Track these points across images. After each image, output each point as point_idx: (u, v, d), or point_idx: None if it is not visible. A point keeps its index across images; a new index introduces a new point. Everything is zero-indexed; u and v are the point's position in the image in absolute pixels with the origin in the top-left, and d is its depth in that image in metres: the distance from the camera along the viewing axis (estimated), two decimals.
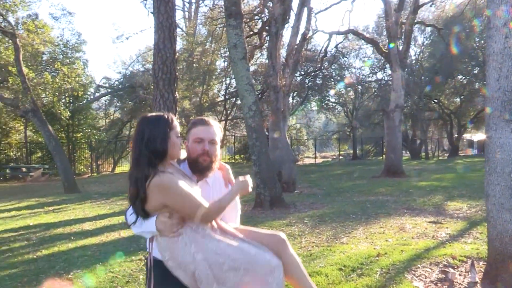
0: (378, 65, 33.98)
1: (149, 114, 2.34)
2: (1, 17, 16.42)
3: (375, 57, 33.33)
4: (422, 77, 31.98)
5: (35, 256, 6.15)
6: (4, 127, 25.52)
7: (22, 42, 16.52)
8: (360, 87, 35.35)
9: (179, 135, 2.32)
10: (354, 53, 34.13)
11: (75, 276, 5.08)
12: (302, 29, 15.96)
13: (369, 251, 5.61)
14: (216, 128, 2.51)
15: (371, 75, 36.02)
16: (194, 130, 2.48)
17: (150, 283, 2.30)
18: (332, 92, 30.31)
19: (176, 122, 2.31)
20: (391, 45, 17.13)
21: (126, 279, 4.89)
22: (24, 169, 22.75)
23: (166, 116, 2.29)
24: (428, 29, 29.64)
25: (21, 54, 15.85)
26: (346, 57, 33.13)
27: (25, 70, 15.95)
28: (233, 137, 32.46)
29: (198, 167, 2.42)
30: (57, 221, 9.01)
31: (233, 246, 2.23)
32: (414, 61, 33.39)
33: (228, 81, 27.97)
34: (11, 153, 25.71)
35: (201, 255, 2.16)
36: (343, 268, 4.93)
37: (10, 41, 16.15)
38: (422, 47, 33.58)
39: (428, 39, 32.67)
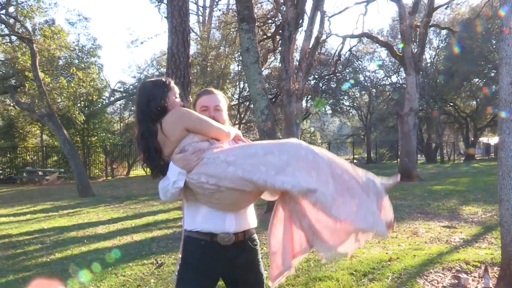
0: (392, 68, 33.79)
1: (147, 80, 2.48)
2: (19, 23, 16.72)
3: (389, 60, 33.17)
4: (437, 80, 31.69)
5: (48, 259, 6.23)
6: (21, 131, 25.89)
7: (38, 48, 16.78)
8: (374, 90, 35.19)
9: (177, 96, 2.41)
10: (368, 56, 34.06)
11: (87, 279, 5.13)
12: (315, 32, 15.97)
13: (381, 255, 5.58)
14: (220, 96, 2.59)
15: (385, 78, 35.88)
16: (199, 101, 2.59)
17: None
18: (347, 84, 29.96)
19: (173, 85, 2.43)
20: (401, 45, 17.05)
21: (138, 283, 4.93)
22: (40, 173, 23.04)
23: (164, 79, 2.42)
24: (444, 31, 29.40)
25: (38, 59, 16.09)
26: (360, 61, 33.04)
27: (41, 75, 16.20)
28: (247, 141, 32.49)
29: None
30: (71, 225, 9.12)
31: (254, 144, 2.31)
32: (429, 64, 33.12)
33: (242, 85, 28.05)
34: (28, 157, 26.06)
35: (232, 157, 2.18)
36: (354, 272, 4.91)
37: (27, 46, 16.41)
38: (438, 50, 33.30)
39: (443, 42, 32.40)
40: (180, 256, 2.42)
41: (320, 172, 2.14)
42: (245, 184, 2.15)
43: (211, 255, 2.35)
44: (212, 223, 2.32)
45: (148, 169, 2.40)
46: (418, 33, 18.25)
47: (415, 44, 18.22)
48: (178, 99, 2.41)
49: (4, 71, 19.78)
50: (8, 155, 25.24)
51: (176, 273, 2.41)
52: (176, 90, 2.43)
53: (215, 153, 2.22)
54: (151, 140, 2.28)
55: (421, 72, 22.10)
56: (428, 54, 33.56)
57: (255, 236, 2.52)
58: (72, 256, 6.35)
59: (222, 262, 2.36)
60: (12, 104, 23.29)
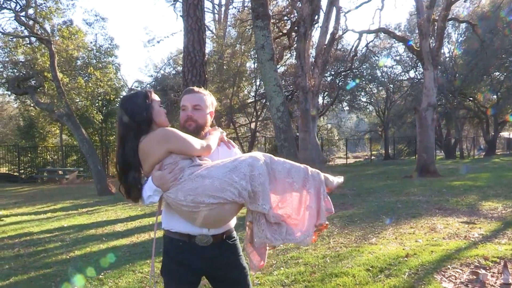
0: (410, 63, 33.41)
1: (127, 94, 2.50)
2: (38, 24, 16.99)
3: (406, 55, 32.80)
4: (457, 75, 31.23)
5: (68, 257, 6.34)
6: (41, 131, 26.35)
7: (57, 48, 17.05)
8: (391, 86, 34.84)
9: (161, 105, 2.41)
10: (385, 51, 33.70)
11: (106, 276, 5.22)
12: (331, 28, 15.90)
13: (398, 251, 5.54)
14: (202, 95, 2.56)
15: (403, 73, 35.50)
16: (181, 100, 2.59)
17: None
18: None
19: (155, 94, 2.41)
20: (411, 42, 16.89)
21: (155, 280, 4.98)
22: (60, 172, 23.42)
23: (143, 91, 2.40)
24: (463, 25, 28.95)
25: (56, 60, 16.34)
26: (377, 56, 32.73)
27: (59, 75, 16.46)
28: (263, 138, 32.50)
29: (187, 133, 2.48)
30: (89, 223, 9.27)
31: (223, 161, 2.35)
32: (447, 59, 32.66)
33: (258, 83, 28.04)
34: (48, 157, 26.50)
35: (205, 171, 2.23)
36: (370, 268, 4.89)
37: (46, 47, 16.66)
38: (456, 44, 32.81)
39: (462, 36, 31.91)
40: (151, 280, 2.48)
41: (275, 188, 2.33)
42: (223, 195, 2.18)
43: (191, 254, 2.38)
44: (189, 225, 2.33)
45: None
46: (436, 27, 18.02)
47: (432, 38, 17.98)
48: (162, 108, 2.41)
49: (24, 72, 20.13)
50: (29, 155, 25.72)
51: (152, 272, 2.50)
52: (158, 98, 2.42)
53: (192, 170, 2.25)
54: (132, 156, 2.28)
55: (439, 67, 21.81)
56: (447, 48, 33.14)
57: (234, 234, 2.55)
58: (91, 254, 6.45)
59: (203, 262, 2.40)
60: (32, 105, 23.68)
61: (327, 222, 2.46)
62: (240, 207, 2.32)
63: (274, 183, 2.30)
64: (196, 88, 2.60)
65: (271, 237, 2.31)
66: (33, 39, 18.36)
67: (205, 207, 2.18)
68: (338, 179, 2.54)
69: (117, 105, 26.77)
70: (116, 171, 2.37)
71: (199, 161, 2.32)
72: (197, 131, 2.49)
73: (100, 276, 5.20)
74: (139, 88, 32.08)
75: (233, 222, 2.52)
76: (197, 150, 2.31)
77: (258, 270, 2.53)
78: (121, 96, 28.24)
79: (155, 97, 2.40)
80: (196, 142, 2.32)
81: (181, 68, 10.78)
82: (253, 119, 29.35)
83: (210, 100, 2.59)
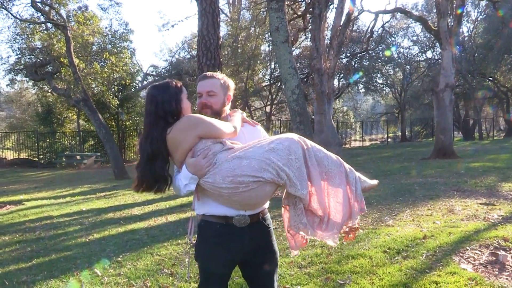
0: (427, 43, 32.82)
1: (157, 83, 2.45)
2: (54, 10, 17.06)
3: (424, 35, 32.21)
4: (476, 54, 30.60)
5: (87, 240, 6.45)
6: (59, 117, 26.65)
7: (72, 34, 17.12)
8: (408, 67, 34.32)
9: (188, 97, 2.42)
10: (402, 32, 33.15)
11: (124, 258, 5.29)
12: (346, 9, 15.65)
13: (415, 233, 5.51)
14: (215, 80, 2.53)
15: (420, 54, 34.91)
16: (197, 87, 2.57)
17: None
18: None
19: (183, 87, 2.43)
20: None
21: (172, 262, 5.05)
22: (78, 157, 23.69)
23: (174, 82, 2.40)
24: (483, 2, 28.26)
25: (72, 46, 16.42)
26: (393, 37, 32.22)
27: (75, 61, 16.56)
28: (279, 121, 32.42)
29: None
30: (107, 207, 9.39)
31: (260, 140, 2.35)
32: (466, 38, 31.98)
33: (273, 65, 27.86)
34: (66, 142, 26.83)
35: (242, 152, 2.23)
36: (387, 250, 4.88)
37: (62, 33, 16.75)
38: (476, 23, 32.06)
39: (482, 14, 31.18)
40: (188, 240, 2.48)
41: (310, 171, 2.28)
42: (262, 175, 2.15)
43: (228, 237, 2.37)
44: (225, 207, 2.32)
45: None
46: (454, 5, 17.61)
47: (451, 17, 17.59)
48: (189, 100, 2.42)
49: (41, 58, 20.32)
50: (48, 140, 26.08)
51: (189, 254, 2.49)
52: (186, 92, 2.43)
53: (226, 154, 2.24)
54: (160, 146, 2.26)
55: (457, 46, 21.38)
56: (466, 28, 32.44)
57: (268, 215, 2.55)
58: (109, 237, 6.54)
59: (239, 244, 2.38)
60: (49, 91, 23.92)
61: (359, 224, 2.41)
62: (276, 188, 2.29)
63: (308, 170, 2.25)
64: (209, 73, 2.57)
65: (306, 223, 2.30)
66: (49, 25, 18.49)
67: (245, 187, 2.16)
68: (371, 181, 2.45)
69: (132, 90, 27.07)
70: (138, 161, 2.33)
71: (230, 144, 2.32)
72: (214, 116, 2.46)
73: (119, 259, 5.28)
74: (154, 73, 32.20)
75: (267, 203, 2.51)
76: (225, 133, 2.31)
77: (298, 248, 2.47)
78: (136, 81, 28.43)
79: (184, 89, 2.41)
80: (222, 125, 2.31)
81: (196, 52, 10.75)
82: (268, 103, 29.24)
83: (225, 84, 2.55)
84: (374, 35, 25.92)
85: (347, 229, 2.41)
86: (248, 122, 2.63)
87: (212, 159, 2.22)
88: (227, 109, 2.58)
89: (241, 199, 2.23)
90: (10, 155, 28.15)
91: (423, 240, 5.15)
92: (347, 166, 2.37)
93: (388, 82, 36.05)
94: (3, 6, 16.88)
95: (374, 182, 2.45)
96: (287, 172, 2.16)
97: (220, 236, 2.38)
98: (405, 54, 34.34)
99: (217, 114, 2.49)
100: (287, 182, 2.19)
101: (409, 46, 34.71)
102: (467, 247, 4.81)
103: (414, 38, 33.50)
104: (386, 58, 31.52)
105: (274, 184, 2.22)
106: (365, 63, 30.59)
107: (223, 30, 28.73)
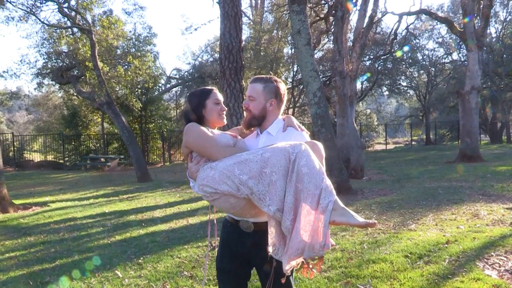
0: (453, 45, 32.27)
1: (193, 90, 2.59)
2: (79, 15, 17.39)
3: (449, 37, 31.68)
4: (504, 56, 29.92)
5: (109, 241, 6.52)
6: (84, 119, 27.09)
7: (97, 38, 17.40)
8: (433, 69, 33.81)
9: (218, 103, 2.49)
10: (427, 34, 32.67)
11: (145, 260, 5.34)
12: (369, 11, 15.52)
13: (438, 238, 5.43)
14: (257, 85, 2.53)
15: (445, 56, 34.35)
16: None
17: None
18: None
19: (215, 92, 2.50)
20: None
21: (192, 264, 5.07)
22: (102, 160, 24.03)
23: (207, 89, 2.52)
24: None
25: (97, 49, 16.69)
26: (418, 39, 31.78)
27: (100, 64, 16.81)
28: (302, 124, 32.29)
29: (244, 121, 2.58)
30: (130, 209, 9.49)
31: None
32: (494, 39, 31.31)
33: (295, 68, 27.81)
34: (91, 144, 27.26)
35: (215, 162, 2.23)
36: (409, 255, 4.81)
37: (87, 37, 17.04)
38: (504, 23, 31.34)
39: (511, 14, 30.49)
40: (209, 243, 2.58)
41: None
42: (218, 187, 2.15)
43: (236, 237, 2.49)
44: None
45: None
46: (481, 6, 17.29)
47: (477, 18, 17.26)
48: (218, 106, 2.48)
49: (67, 62, 20.71)
50: (73, 143, 26.54)
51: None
52: (218, 96, 2.50)
53: (210, 163, 2.26)
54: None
55: (484, 48, 20.95)
56: (494, 28, 31.77)
57: None
58: (131, 239, 6.61)
59: (245, 247, 2.46)
60: (75, 94, 24.36)
61: (314, 260, 2.13)
62: (250, 201, 2.20)
63: (289, 185, 2.08)
64: (258, 77, 2.59)
65: (274, 242, 2.14)
66: (75, 29, 18.85)
67: (210, 197, 2.21)
68: (360, 219, 2.01)
69: (155, 93, 27.37)
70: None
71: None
72: (254, 121, 2.52)
73: (140, 260, 5.33)
74: (177, 76, 32.53)
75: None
76: (211, 153, 2.28)
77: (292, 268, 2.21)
78: (159, 84, 28.73)
79: (214, 95, 2.49)
80: (209, 145, 2.30)
81: (218, 55, 10.82)
82: (291, 106, 29.20)
83: (270, 89, 2.52)
84: (398, 37, 25.61)
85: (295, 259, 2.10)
86: (284, 125, 2.57)
87: (201, 166, 2.28)
88: (275, 114, 2.55)
89: (216, 207, 2.32)
90: (37, 157, 28.77)
91: (446, 245, 5.06)
92: (328, 190, 2.05)
93: (413, 84, 35.59)
94: (32, 12, 17.28)
95: (366, 221, 2.00)
96: (250, 186, 2.08)
97: (228, 234, 2.54)
98: (430, 56, 33.86)
99: (256, 119, 2.51)
100: (251, 197, 2.11)
101: (434, 48, 34.17)
102: (492, 253, 4.71)
103: (439, 39, 32.99)
104: (411, 61, 31.11)
105: (239, 197, 2.14)
106: (388, 66, 30.25)
107: (246, 33, 28.88)
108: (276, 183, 2.08)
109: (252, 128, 2.59)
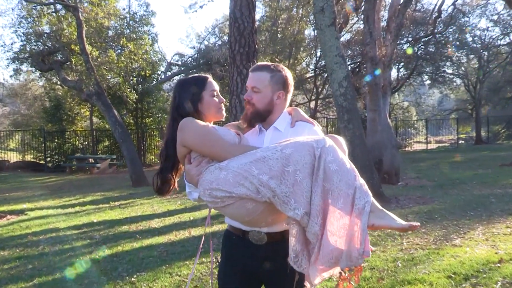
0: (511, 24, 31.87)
1: (184, 77, 2.60)
2: None
3: (507, 13, 31.30)
4: None
5: (97, 256, 6.58)
6: (69, 113, 27.18)
7: (85, 17, 17.49)
8: (486, 53, 33.46)
9: (216, 94, 2.47)
10: (478, 10, 32.29)
11: (139, 279, 5.39)
12: None
13: (489, 255, 5.41)
14: (263, 74, 2.53)
15: (501, 37, 33.92)
16: None
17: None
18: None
19: (211, 81, 2.49)
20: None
21: (195, 284, 5.11)
22: (91, 160, 24.21)
23: (201, 77, 2.50)
24: None
25: (84, 30, 16.78)
26: (467, 17, 31.47)
27: (88, 48, 16.92)
28: (325, 119, 32.27)
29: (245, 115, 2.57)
30: (122, 218, 9.58)
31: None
32: None
33: (318, 53, 27.78)
34: (77, 142, 27.39)
35: (225, 162, 2.23)
36: (453, 275, 4.80)
37: (73, 16, 17.14)
38: None
39: None
40: (214, 259, 2.58)
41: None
42: (234, 190, 2.14)
43: (242, 251, 2.49)
44: None
45: None
46: None
47: None
48: (216, 99, 2.47)
49: (49, 45, 20.85)
50: (56, 140, 26.66)
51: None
52: (215, 86, 2.49)
53: (217, 163, 2.26)
54: (170, 148, 2.40)
55: None
56: None
57: None
58: (123, 253, 6.68)
59: (255, 262, 2.46)
60: (59, 83, 24.51)
61: (350, 270, 2.17)
62: (270, 205, 2.21)
63: (316, 184, 2.09)
64: (262, 64, 2.59)
65: (297, 251, 2.15)
66: (58, 6, 18.96)
67: (221, 203, 2.18)
68: (402, 222, 2.07)
69: (154, 82, 27.48)
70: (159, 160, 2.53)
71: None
72: (257, 117, 2.52)
73: (133, 279, 5.39)
74: (179, 62, 32.66)
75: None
76: (217, 153, 2.28)
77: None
78: (159, 72, 28.83)
79: (210, 85, 2.48)
80: (218, 143, 2.30)
81: (228, 38, 10.85)
82: (313, 97, 29.16)
83: (278, 79, 2.54)
84: (442, 15, 25.40)
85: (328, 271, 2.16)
86: (306, 120, 2.60)
87: (205, 168, 2.26)
88: (281, 108, 2.58)
89: (227, 214, 2.32)
90: (13, 157, 29.03)
91: (499, 265, 5.04)
92: (363, 190, 2.09)
93: (460, 72, 35.26)
94: None
95: (410, 223, 2.07)
96: (272, 187, 2.07)
97: (236, 248, 2.52)
98: (482, 38, 33.47)
99: (260, 114, 2.52)
100: (273, 200, 2.10)
101: (488, 27, 33.79)
102: None
103: (495, 17, 32.56)
104: (458, 43, 30.82)
105: (258, 200, 2.14)
106: (431, 49, 30.02)
107: (260, 11, 28.96)
108: (302, 183, 2.08)
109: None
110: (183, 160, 2.38)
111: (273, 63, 2.61)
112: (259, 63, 2.64)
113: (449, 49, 28.98)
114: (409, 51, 25.80)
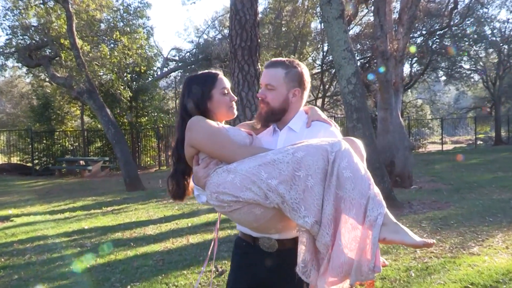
0: None
1: (194, 74, 2.58)
2: None
3: None
4: None
5: (88, 266, 6.59)
6: (58, 112, 27.16)
7: (75, 9, 17.52)
8: (506, 47, 33.39)
9: (226, 92, 2.48)
10: (498, 1, 32.25)
11: None
12: None
13: (510, 265, 5.41)
14: (277, 70, 2.54)
15: None
16: None
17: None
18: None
19: (222, 78, 2.49)
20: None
21: None
22: (82, 162, 24.17)
23: (211, 74, 2.50)
24: None
25: (74, 23, 16.78)
26: (486, 7, 31.41)
27: (79, 42, 16.90)
28: (332, 118, 32.23)
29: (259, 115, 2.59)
30: (115, 224, 9.59)
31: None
32: None
33: (325, 48, 27.80)
34: (67, 143, 27.36)
35: (233, 164, 2.23)
36: (470, 286, 4.80)
37: (62, 8, 17.14)
38: None
39: None
40: (214, 268, 2.60)
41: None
42: (241, 195, 2.14)
43: (254, 259, 2.51)
44: None
45: None
46: None
47: None
48: (226, 97, 2.48)
49: (37, 39, 20.85)
50: (45, 141, 26.66)
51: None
52: (226, 83, 2.50)
53: (225, 165, 2.27)
54: (179, 148, 2.43)
55: None
56: None
57: None
58: (116, 262, 6.68)
59: (264, 270, 2.48)
60: (47, 80, 24.53)
61: (361, 285, 2.17)
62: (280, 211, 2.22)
63: (328, 191, 2.09)
64: (277, 60, 2.60)
65: (306, 261, 2.15)
66: None
67: (228, 207, 2.19)
68: (417, 238, 2.06)
69: (149, 79, 27.50)
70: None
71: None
72: (272, 116, 2.53)
73: None
74: (176, 58, 32.68)
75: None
76: (226, 154, 2.31)
77: None
78: (154, 68, 28.82)
79: (221, 81, 2.49)
80: (227, 145, 2.32)
81: (228, 31, 10.86)
82: (320, 95, 29.17)
83: (293, 76, 2.55)
84: (459, 6, 25.40)
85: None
86: (323, 120, 2.60)
87: (212, 170, 2.27)
88: (297, 106, 2.60)
89: (235, 220, 2.34)
90: None
91: None
92: (376, 200, 2.07)
93: (478, 67, 35.20)
94: None
95: (424, 240, 2.05)
96: (281, 193, 2.08)
97: (246, 256, 2.56)
98: (502, 30, 33.39)
99: (275, 113, 2.53)
100: (281, 206, 2.11)
101: (508, 19, 33.72)
102: None
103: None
104: (476, 36, 30.75)
105: (268, 206, 2.14)
106: (446, 43, 29.99)
107: (263, 3, 28.98)
108: (313, 189, 2.08)
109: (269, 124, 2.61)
110: (191, 161, 2.39)
111: (288, 59, 2.62)
112: (273, 59, 2.65)
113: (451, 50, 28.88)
114: (412, 49, 25.75)
